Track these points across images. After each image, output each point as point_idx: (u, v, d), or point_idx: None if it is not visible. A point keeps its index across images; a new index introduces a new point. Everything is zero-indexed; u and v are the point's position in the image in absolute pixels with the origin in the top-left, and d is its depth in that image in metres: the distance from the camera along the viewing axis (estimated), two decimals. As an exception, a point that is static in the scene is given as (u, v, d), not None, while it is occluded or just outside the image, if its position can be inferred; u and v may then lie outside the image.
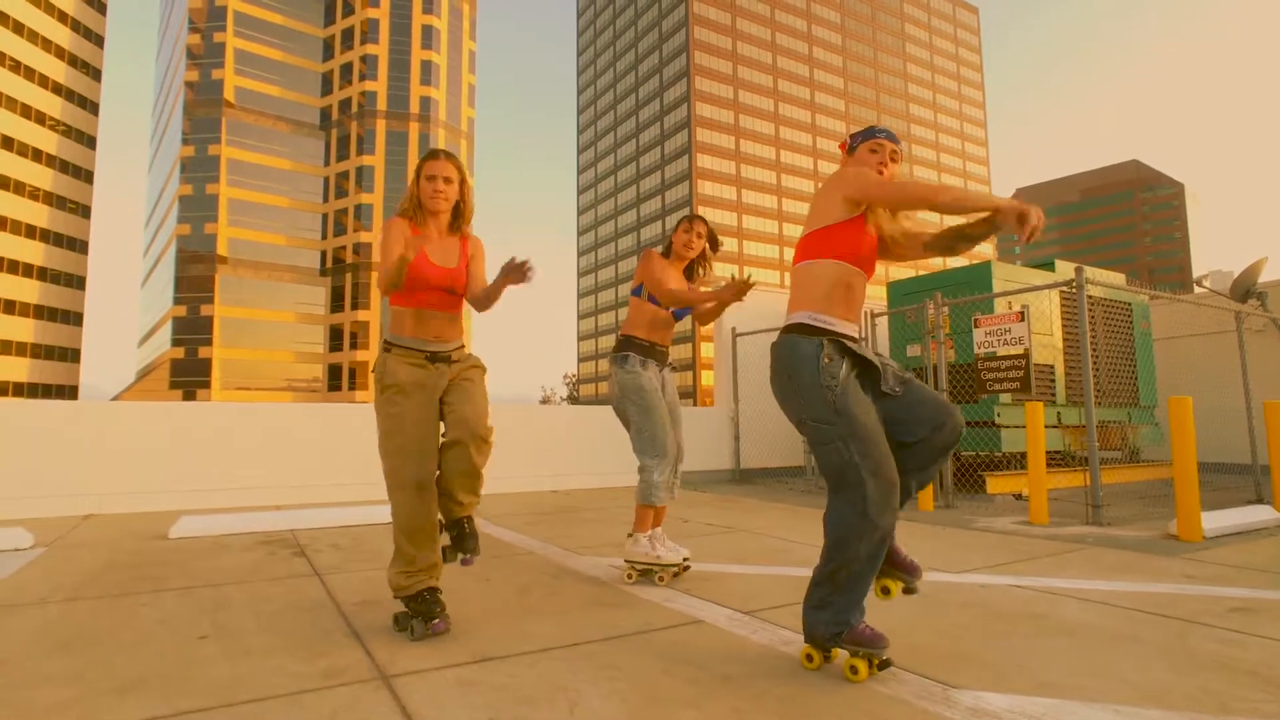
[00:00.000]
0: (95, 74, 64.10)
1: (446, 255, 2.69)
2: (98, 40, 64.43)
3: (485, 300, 2.66)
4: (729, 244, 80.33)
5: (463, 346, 2.75)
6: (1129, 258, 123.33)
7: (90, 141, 63.65)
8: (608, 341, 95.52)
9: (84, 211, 62.70)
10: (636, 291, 3.46)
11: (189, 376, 64.56)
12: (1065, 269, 8.09)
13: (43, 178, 58.07)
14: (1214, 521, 4.41)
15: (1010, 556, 3.84)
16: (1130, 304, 7.63)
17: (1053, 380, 6.96)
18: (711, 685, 2.03)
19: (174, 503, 5.90)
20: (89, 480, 5.69)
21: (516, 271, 2.46)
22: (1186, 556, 3.79)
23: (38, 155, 57.48)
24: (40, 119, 57.65)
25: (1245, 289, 8.15)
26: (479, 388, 2.69)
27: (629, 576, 3.30)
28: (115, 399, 75.96)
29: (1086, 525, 4.90)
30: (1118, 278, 7.58)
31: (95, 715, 1.84)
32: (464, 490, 2.59)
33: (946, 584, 3.17)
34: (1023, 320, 5.42)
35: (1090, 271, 5.34)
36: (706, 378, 76.02)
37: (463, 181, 2.71)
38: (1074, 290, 5.20)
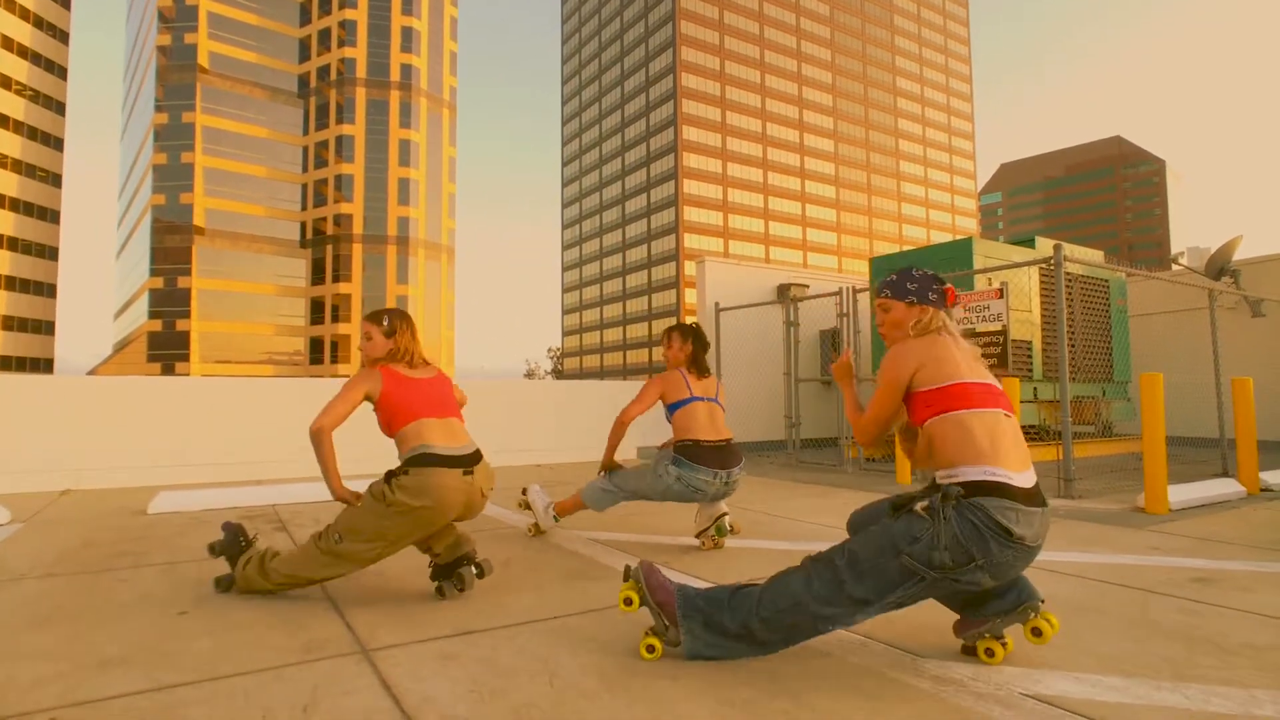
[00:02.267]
0: (63, 36, 62.03)
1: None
2: (64, 0, 62.25)
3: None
4: (713, 217, 79.95)
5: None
6: (1110, 234, 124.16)
7: (59, 107, 61.82)
8: (592, 315, 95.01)
9: (54, 180, 61.13)
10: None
11: (167, 350, 63.63)
12: (1045, 246, 8.17)
13: (10, 144, 56.40)
14: (1180, 495, 4.54)
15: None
16: (1108, 281, 7.74)
17: (1030, 356, 7.07)
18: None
19: (153, 478, 5.86)
20: (66, 455, 5.63)
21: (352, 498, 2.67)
22: (1153, 529, 3.90)
23: (4, 121, 55.76)
24: (5, 83, 55.81)
25: (1220, 266, 8.28)
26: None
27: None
28: (92, 373, 74.82)
29: (1058, 498, 5.02)
30: (1095, 254, 7.68)
31: (78, 690, 1.85)
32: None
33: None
34: (1001, 297, 5.49)
35: (1068, 248, 5.40)
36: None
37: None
38: (1053, 267, 5.26)
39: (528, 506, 3.89)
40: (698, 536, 3.51)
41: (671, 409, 3.46)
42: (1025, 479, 1.91)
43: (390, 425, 2.68)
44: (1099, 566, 3.10)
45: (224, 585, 2.74)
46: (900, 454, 5.27)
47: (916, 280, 2.18)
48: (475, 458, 2.66)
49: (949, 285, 2.20)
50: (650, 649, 2.06)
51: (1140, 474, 5.95)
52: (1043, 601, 2.01)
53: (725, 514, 3.47)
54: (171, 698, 1.81)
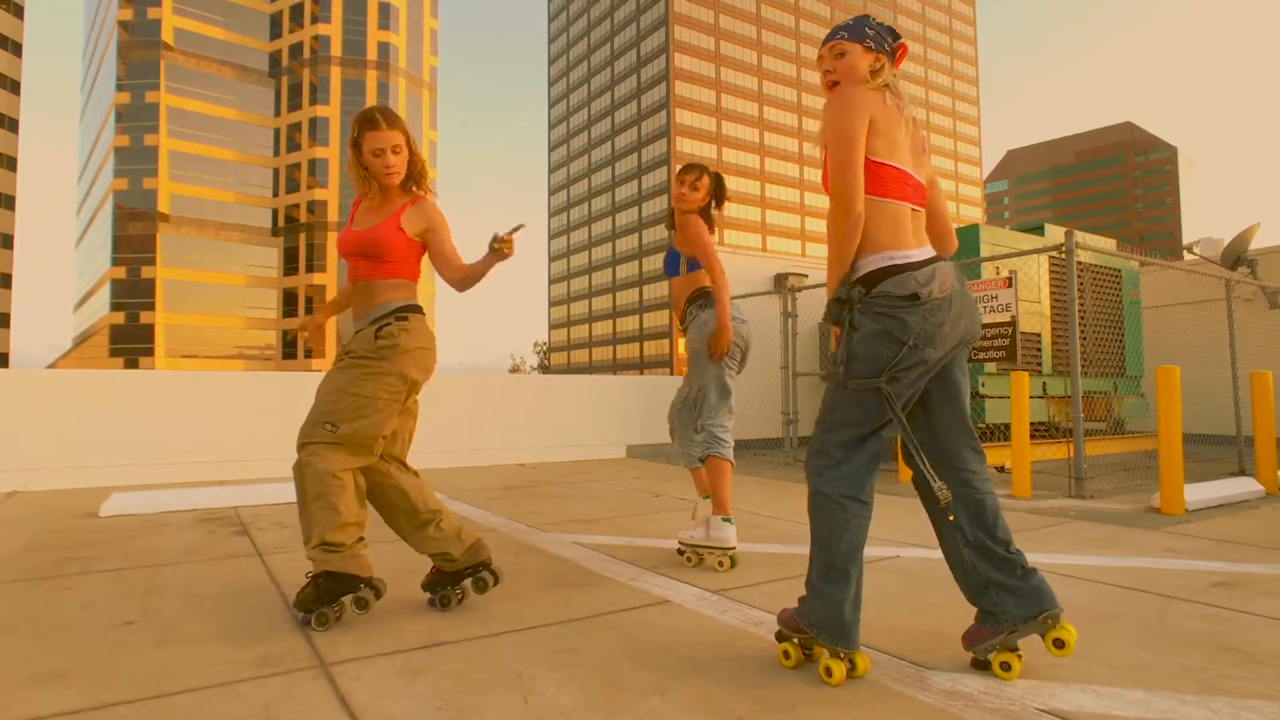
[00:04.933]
0: (17, 10, 59.69)
1: (371, 216, 2.44)
2: (19, -27, 60.18)
3: (465, 280, 2.46)
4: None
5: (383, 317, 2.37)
6: (1121, 223, 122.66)
7: (14, 86, 59.66)
8: (580, 308, 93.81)
9: (9, 163, 59.08)
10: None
11: (130, 344, 61.96)
12: (1055, 233, 7.98)
13: (-39, 125, 54.48)
14: (1196, 494, 4.44)
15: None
16: (1120, 270, 7.62)
17: (1039, 349, 6.94)
18: (677, 669, 1.91)
19: (107, 478, 5.57)
20: (12, 455, 5.31)
21: (505, 246, 2.36)
22: (1168, 530, 3.80)
23: (-48, 100, 53.76)
24: (-46, 59, 53.78)
25: (1236, 256, 8.00)
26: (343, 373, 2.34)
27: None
28: (51, 367, 72.79)
29: (1069, 498, 4.92)
30: (1108, 243, 7.49)
31: (6, 709, 1.67)
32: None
33: (925, 560, 3.11)
34: (1010, 286, 5.36)
35: (1080, 236, 5.26)
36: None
37: (409, 141, 2.45)
38: (1064, 256, 5.14)
39: (698, 554, 3.04)
40: (680, 546, 3.09)
41: (694, 265, 3.20)
42: (924, 253, 1.88)
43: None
44: (1113, 570, 2.98)
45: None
46: (900, 454, 4.55)
47: (874, 26, 2.01)
48: None
49: (903, 42, 2.04)
50: (786, 655, 1.94)
51: (1154, 473, 5.88)
52: (1061, 610, 1.87)
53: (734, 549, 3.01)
54: (110, 717, 1.63)
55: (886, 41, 1.99)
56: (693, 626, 2.26)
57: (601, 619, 2.34)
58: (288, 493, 4.91)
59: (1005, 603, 1.86)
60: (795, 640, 1.92)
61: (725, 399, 3.13)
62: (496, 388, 7.77)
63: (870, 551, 2.20)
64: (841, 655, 1.83)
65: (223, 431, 6.06)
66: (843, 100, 1.89)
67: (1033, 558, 3.15)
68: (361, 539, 2.30)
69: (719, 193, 3.22)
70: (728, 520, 2.96)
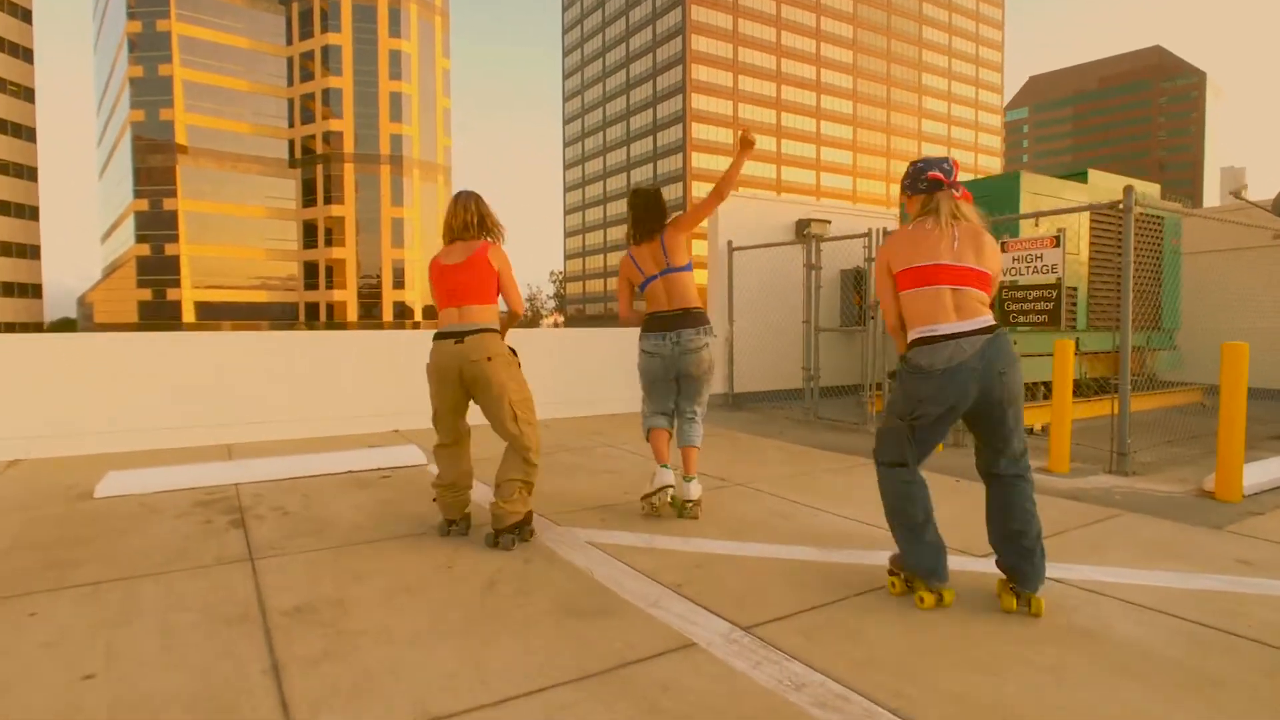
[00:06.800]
0: (22, -65, 57.90)
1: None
2: (22, -103, 57.87)
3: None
4: (724, 107, 76.90)
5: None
6: (1140, 152, 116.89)
7: (25, 15, 58.44)
8: (595, 238, 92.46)
9: (27, 95, 58.43)
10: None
11: (157, 275, 62.45)
12: (1098, 179, 7.39)
13: (-25, 57, 53.63)
14: (1254, 476, 4.03)
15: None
16: (1163, 219, 7.02)
17: (1074, 304, 6.46)
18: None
19: (112, 444, 5.39)
20: (15, 422, 5.14)
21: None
22: (1233, 530, 3.41)
23: (-36, 31, 52.79)
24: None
25: None
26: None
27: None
28: (83, 297, 73.99)
29: (1110, 474, 4.55)
30: (1152, 188, 6.89)
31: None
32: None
33: (974, 576, 2.77)
34: (1058, 246, 4.82)
35: (1140, 192, 4.68)
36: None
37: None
38: (1118, 210, 4.59)
39: (651, 503, 3.60)
40: (641, 500, 3.62)
41: (640, 289, 3.70)
42: (951, 327, 2.39)
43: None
44: (1186, 596, 2.61)
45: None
46: None
47: (909, 174, 2.60)
48: (467, 332, 3.22)
49: (935, 173, 2.51)
50: (893, 584, 2.63)
51: (1197, 441, 5.48)
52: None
53: (670, 487, 3.54)
54: None
55: (921, 181, 2.54)
56: (724, 691, 1.95)
57: (619, 675, 2.04)
58: (290, 468, 4.70)
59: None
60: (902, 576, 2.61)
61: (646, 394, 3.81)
62: (511, 341, 7.42)
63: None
64: (931, 589, 2.51)
65: (226, 393, 5.83)
66: (880, 248, 2.66)
67: (1089, 572, 2.82)
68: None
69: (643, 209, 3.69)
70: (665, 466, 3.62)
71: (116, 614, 2.48)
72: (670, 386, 3.67)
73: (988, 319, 2.40)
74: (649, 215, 3.62)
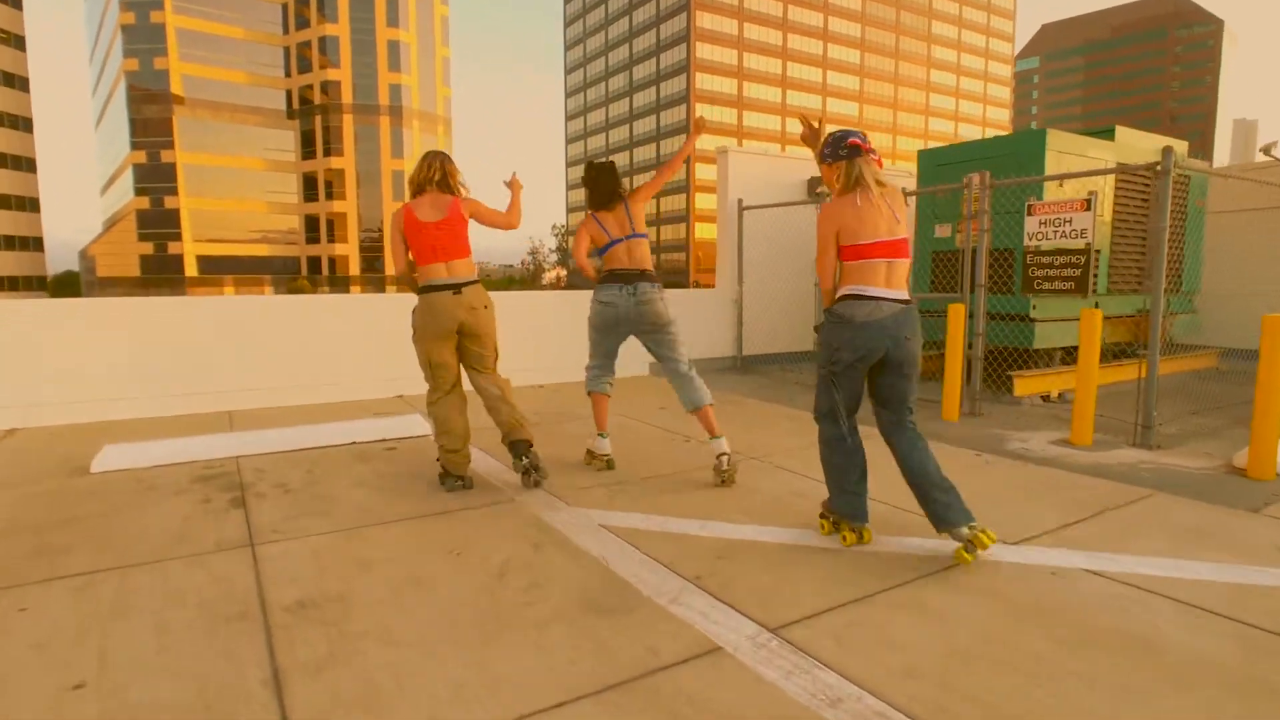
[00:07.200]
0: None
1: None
2: None
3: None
4: (727, 114, 74.82)
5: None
6: (1153, 103, 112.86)
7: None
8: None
9: (17, 42, 56.90)
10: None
11: (158, 228, 61.87)
12: (1125, 136, 7.09)
13: (-41, 1, 52.05)
14: (1287, 452, 3.87)
15: (1069, 511, 3.31)
16: (1189, 178, 6.73)
17: (1095, 267, 6.23)
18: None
19: (114, 412, 5.27)
20: (14, 389, 5.01)
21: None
22: (1270, 514, 3.27)
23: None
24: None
25: None
26: None
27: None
28: (84, 251, 73.42)
29: (1134, 447, 4.40)
30: (1180, 145, 6.58)
31: None
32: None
33: (1010, 567, 2.64)
34: (1088, 210, 4.57)
35: (1178, 154, 4.41)
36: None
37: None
38: (1155, 171, 4.33)
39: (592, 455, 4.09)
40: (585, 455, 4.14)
41: (599, 252, 3.93)
42: (879, 292, 2.72)
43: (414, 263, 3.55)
44: (1235, 592, 2.47)
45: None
46: (946, 393, 5.38)
47: (829, 143, 2.83)
48: (463, 284, 3.47)
49: (854, 139, 2.76)
50: (823, 526, 3.03)
51: (1221, 412, 5.32)
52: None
53: (609, 455, 4.02)
54: None
55: (842, 149, 2.78)
56: (756, 708, 1.83)
57: (643, 686, 1.92)
58: (292, 439, 4.58)
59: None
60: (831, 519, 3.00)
61: (596, 351, 4.07)
62: (510, 306, 7.22)
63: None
64: (853, 529, 2.90)
65: (234, 359, 5.69)
66: (820, 215, 2.85)
67: (1125, 561, 2.68)
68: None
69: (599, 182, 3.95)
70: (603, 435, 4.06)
71: (110, 609, 2.37)
72: (618, 339, 3.98)
73: (905, 294, 2.77)
74: (612, 181, 3.94)
